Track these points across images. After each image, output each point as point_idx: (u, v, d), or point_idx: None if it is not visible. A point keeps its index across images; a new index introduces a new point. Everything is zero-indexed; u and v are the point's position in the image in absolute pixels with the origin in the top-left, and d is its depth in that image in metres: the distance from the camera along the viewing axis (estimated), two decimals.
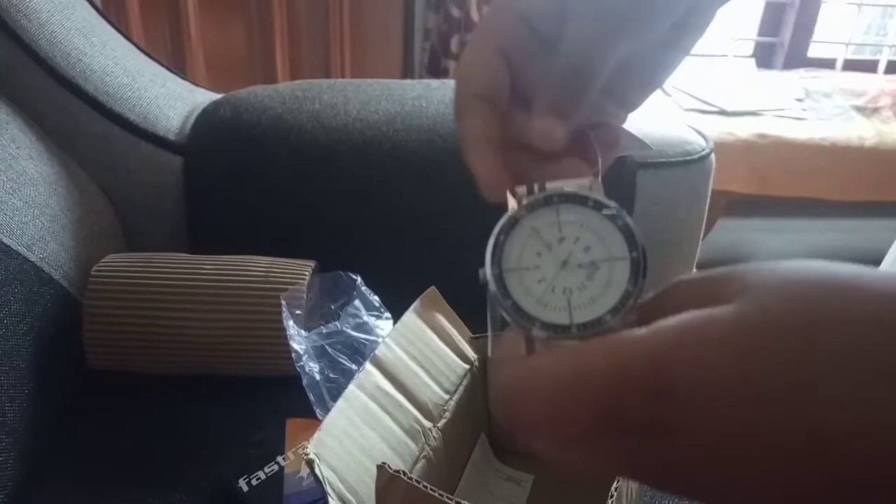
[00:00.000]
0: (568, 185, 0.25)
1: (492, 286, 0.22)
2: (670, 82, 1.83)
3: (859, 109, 1.83)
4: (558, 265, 0.23)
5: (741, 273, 0.20)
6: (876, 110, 1.83)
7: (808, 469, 0.18)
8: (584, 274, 0.23)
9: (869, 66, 2.08)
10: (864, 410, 0.17)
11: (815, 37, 2.06)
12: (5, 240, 0.66)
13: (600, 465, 0.21)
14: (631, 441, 0.20)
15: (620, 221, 0.24)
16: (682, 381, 0.19)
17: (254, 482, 0.61)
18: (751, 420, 0.18)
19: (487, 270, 0.23)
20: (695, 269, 0.92)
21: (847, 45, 2.09)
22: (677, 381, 0.19)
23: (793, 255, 2.02)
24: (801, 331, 0.18)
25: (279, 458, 0.63)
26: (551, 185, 0.25)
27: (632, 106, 0.32)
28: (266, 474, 0.62)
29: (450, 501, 0.39)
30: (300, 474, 0.62)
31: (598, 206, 0.24)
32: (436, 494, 0.40)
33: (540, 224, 0.23)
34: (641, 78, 0.31)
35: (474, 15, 1.75)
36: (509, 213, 0.24)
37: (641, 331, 0.20)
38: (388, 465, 0.41)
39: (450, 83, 0.91)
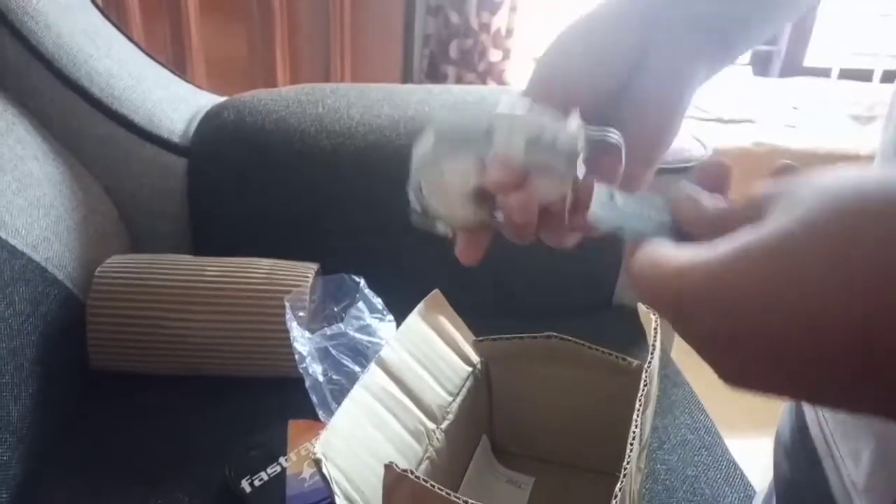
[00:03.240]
0: None
1: None
2: None
3: (855, 118, 1.85)
4: None
5: (785, 185, 0.24)
6: (871, 119, 1.84)
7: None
8: None
9: (865, 76, 2.10)
10: None
11: (812, 46, 2.08)
12: (11, 240, 0.66)
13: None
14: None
15: None
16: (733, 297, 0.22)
17: (256, 483, 0.62)
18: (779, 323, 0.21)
19: None
20: None
21: (843, 54, 2.10)
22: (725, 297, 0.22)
23: None
24: (839, 242, 0.20)
25: (281, 459, 0.63)
26: None
27: (734, 58, 0.35)
28: (268, 475, 0.62)
29: (458, 500, 0.40)
30: (302, 475, 0.62)
31: None
32: (443, 493, 0.40)
33: None
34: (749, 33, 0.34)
35: (473, 21, 1.75)
36: None
37: (704, 254, 0.23)
38: (396, 465, 0.42)
39: (450, 88, 0.92)
